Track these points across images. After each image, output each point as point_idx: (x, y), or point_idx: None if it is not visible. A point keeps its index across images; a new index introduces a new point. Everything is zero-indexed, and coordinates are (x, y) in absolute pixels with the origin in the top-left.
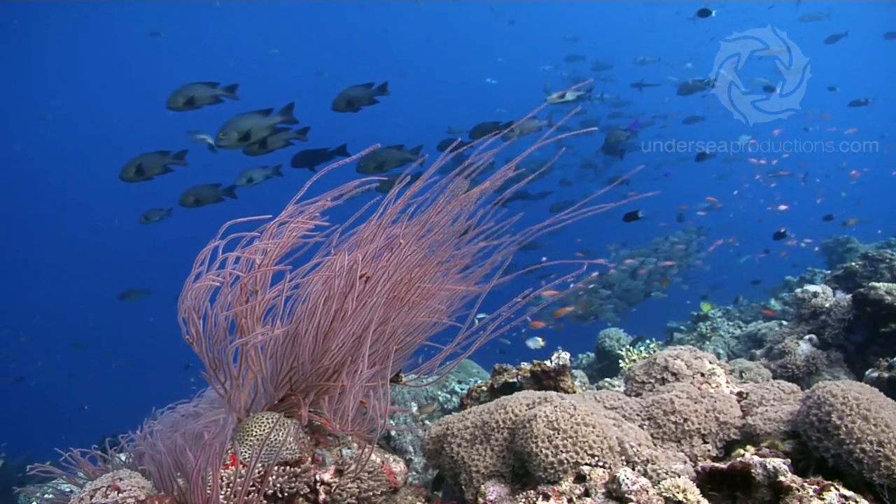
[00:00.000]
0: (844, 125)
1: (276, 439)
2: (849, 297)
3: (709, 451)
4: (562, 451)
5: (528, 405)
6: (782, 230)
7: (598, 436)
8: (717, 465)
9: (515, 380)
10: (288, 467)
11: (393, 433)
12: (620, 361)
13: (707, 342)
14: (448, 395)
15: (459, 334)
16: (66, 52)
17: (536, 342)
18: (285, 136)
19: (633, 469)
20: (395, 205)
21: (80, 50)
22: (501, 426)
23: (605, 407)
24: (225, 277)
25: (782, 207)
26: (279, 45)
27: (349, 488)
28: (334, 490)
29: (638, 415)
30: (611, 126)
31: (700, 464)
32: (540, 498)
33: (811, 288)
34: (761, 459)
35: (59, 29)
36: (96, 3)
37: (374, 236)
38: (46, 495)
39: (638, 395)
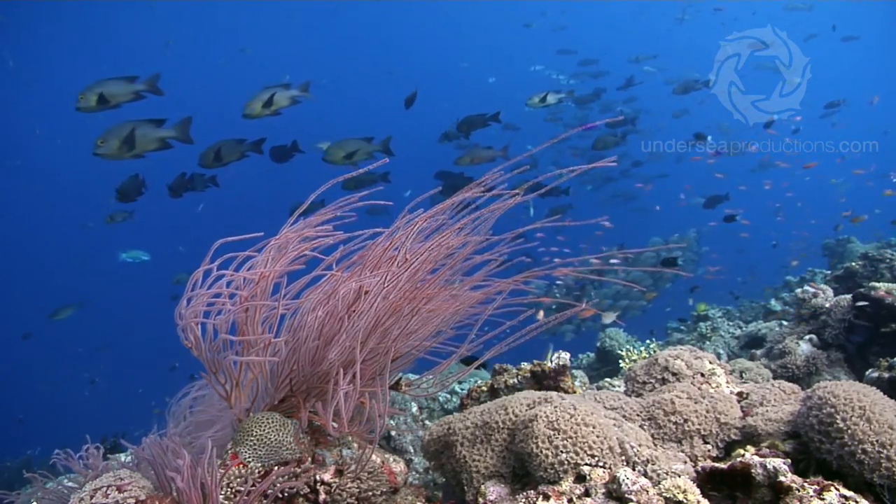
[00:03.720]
0: (842, 122)
1: (276, 439)
2: (849, 297)
3: (709, 451)
4: (562, 452)
5: (528, 405)
6: (735, 214)
7: (598, 436)
8: (717, 465)
9: (515, 380)
10: (288, 467)
11: (393, 433)
12: (621, 361)
13: (707, 342)
14: (448, 395)
15: (461, 349)
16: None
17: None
18: (240, 149)
19: (634, 469)
20: (399, 234)
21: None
22: (502, 426)
23: (605, 407)
24: (224, 289)
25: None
26: (275, 41)
27: (349, 488)
28: (334, 490)
29: (638, 415)
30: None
31: (700, 464)
32: (540, 498)
33: (811, 288)
34: (761, 459)
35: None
36: (87, 3)
37: (378, 259)
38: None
39: (638, 395)
